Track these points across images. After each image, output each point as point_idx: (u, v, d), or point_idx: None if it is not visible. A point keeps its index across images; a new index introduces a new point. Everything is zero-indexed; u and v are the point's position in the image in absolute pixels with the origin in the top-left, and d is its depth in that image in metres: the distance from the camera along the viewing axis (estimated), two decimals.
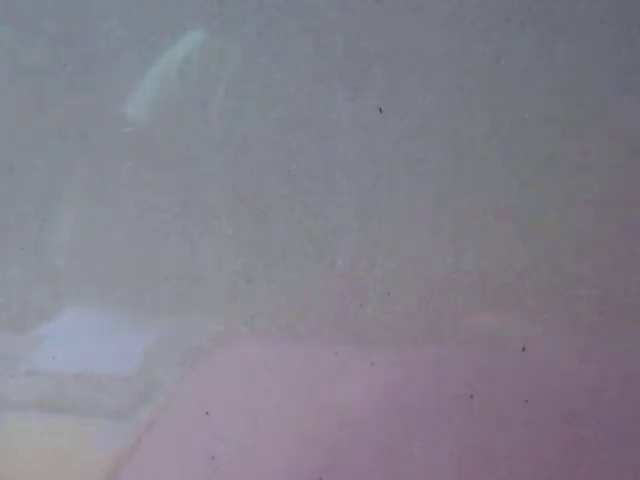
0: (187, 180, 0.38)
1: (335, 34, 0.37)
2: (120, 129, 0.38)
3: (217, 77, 0.38)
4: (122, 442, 0.40)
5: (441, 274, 0.38)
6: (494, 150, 0.37)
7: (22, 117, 0.38)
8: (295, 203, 0.38)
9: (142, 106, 0.38)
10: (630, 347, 0.38)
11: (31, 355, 0.40)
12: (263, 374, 0.39)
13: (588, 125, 0.37)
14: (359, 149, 0.37)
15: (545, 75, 0.36)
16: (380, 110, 0.37)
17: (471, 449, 0.39)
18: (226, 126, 0.38)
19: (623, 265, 0.37)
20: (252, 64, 0.38)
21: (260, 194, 0.38)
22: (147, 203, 0.39)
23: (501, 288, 0.38)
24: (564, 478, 0.39)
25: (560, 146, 0.37)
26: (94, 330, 0.40)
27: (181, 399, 0.40)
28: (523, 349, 0.38)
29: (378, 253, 0.38)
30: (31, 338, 0.40)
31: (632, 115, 0.37)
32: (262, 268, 0.38)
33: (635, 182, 0.37)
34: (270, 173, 0.38)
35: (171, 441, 0.40)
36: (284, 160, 0.38)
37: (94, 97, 0.38)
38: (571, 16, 0.36)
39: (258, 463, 0.40)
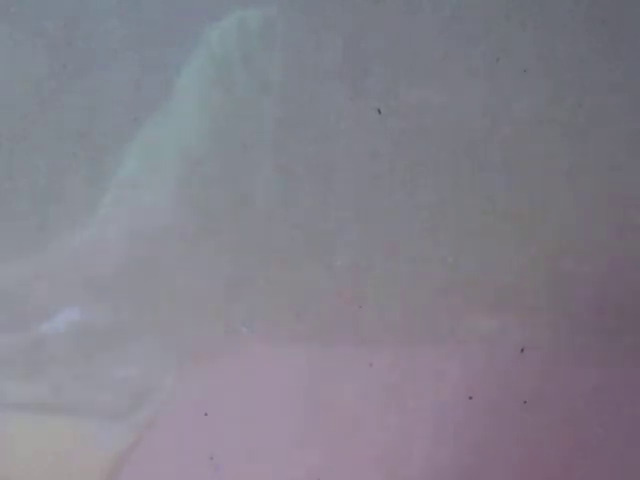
0: (187, 180, 0.38)
1: (335, 34, 0.37)
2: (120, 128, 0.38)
3: (217, 77, 0.38)
4: (122, 442, 0.40)
5: (441, 274, 0.38)
6: (494, 150, 0.37)
7: (22, 117, 0.38)
8: (295, 203, 0.38)
9: (142, 107, 0.38)
10: (630, 347, 0.38)
11: (31, 355, 0.40)
12: (263, 374, 0.39)
13: (588, 125, 0.36)
14: (359, 149, 0.37)
15: (545, 75, 0.36)
16: (379, 111, 0.37)
17: (471, 449, 0.39)
18: (226, 126, 0.38)
19: (623, 265, 0.37)
20: (252, 64, 0.37)
21: (260, 194, 0.38)
22: (147, 203, 0.39)
23: (501, 288, 0.38)
24: (564, 478, 0.39)
25: (560, 146, 0.37)
26: (94, 330, 0.40)
27: (181, 399, 0.40)
28: (522, 350, 0.38)
29: (378, 253, 0.38)
30: (31, 338, 0.40)
31: (632, 115, 0.37)
32: (262, 268, 0.38)
33: (635, 182, 0.37)
34: (270, 173, 0.38)
35: (171, 441, 0.40)
36: (284, 160, 0.38)
37: (94, 97, 0.38)
38: (571, 16, 0.36)
39: (257, 463, 0.40)
